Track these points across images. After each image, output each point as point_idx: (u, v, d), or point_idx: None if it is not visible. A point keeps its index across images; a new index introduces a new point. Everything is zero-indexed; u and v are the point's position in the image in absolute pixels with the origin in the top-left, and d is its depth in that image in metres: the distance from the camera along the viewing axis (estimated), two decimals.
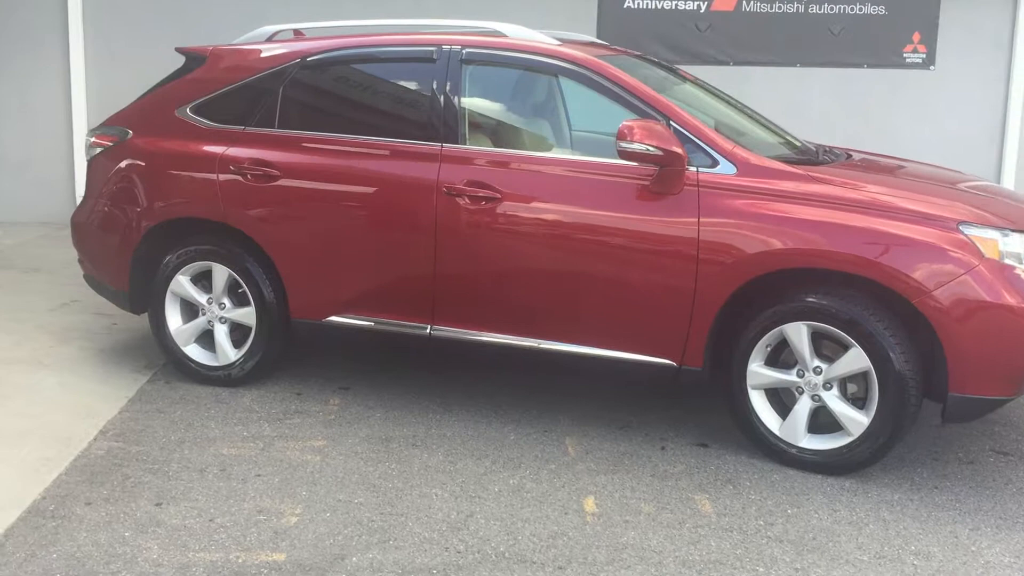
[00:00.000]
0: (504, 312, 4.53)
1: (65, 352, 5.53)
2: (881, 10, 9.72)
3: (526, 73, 4.75)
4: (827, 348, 4.14)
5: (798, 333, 4.11)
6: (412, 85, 4.81)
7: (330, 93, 4.99)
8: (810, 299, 4.08)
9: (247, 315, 4.98)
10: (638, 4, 9.63)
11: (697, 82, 5.33)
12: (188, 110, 5.07)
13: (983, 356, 3.88)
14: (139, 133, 5.14)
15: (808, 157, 4.68)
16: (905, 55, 9.84)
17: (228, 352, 5.04)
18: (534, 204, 4.43)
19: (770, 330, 4.16)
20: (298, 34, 5.25)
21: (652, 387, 5.07)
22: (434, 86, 4.67)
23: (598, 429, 4.64)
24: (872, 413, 4.03)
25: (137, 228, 5.07)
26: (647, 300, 4.27)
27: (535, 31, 4.74)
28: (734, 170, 4.21)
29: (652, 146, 4.10)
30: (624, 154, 4.15)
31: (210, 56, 5.17)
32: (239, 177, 4.84)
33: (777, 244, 4.05)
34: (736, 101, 5.30)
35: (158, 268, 5.08)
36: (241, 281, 4.94)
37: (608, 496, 3.95)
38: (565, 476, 4.13)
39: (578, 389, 5.08)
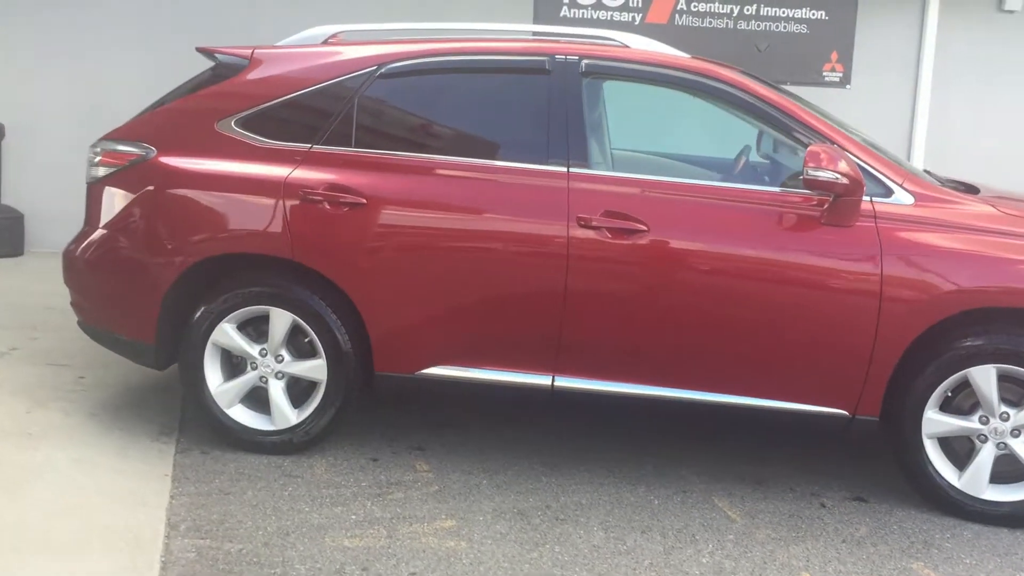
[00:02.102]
0: (647, 361, 3.99)
1: (50, 418, 4.48)
2: (804, 29, 9.82)
3: (655, 89, 4.21)
4: (1009, 392, 3.86)
5: (986, 376, 3.81)
6: (522, 99, 4.17)
7: (418, 107, 4.25)
8: (1001, 340, 3.78)
9: (315, 369, 4.16)
10: (574, 13, 9.26)
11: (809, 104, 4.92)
12: (233, 124, 4.19)
13: None
14: (166, 151, 4.20)
15: (958, 185, 4.40)
16: (824, 73, 9.98)
17: (287, 414, 4.20)
18: (687, 238, 3.91)
19: (951, 374, 3.84)
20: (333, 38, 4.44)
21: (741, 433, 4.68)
22: (551, 101, 4.06)
23: (736, 486, 4.18)
24: None
25: (170, 267, 4.14)
26: (820, 344, 3.85)
27: (655, 42, 4.22)
28: (911, 200, 3.87)
29: (840, 174, 3.69)
30: (812, 183, 3.72)
31: (252, 60, 4.30)
32: (312, 206, 4.03)
33: (974, 282, 3.73)
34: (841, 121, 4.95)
35: (194, 314, 4.17)
36: (308, 329, 4.12)
37: (822, 571, 3.49)
38: (755, 549, 3.64)
39: (663, 436, 4.62)
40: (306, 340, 4.17)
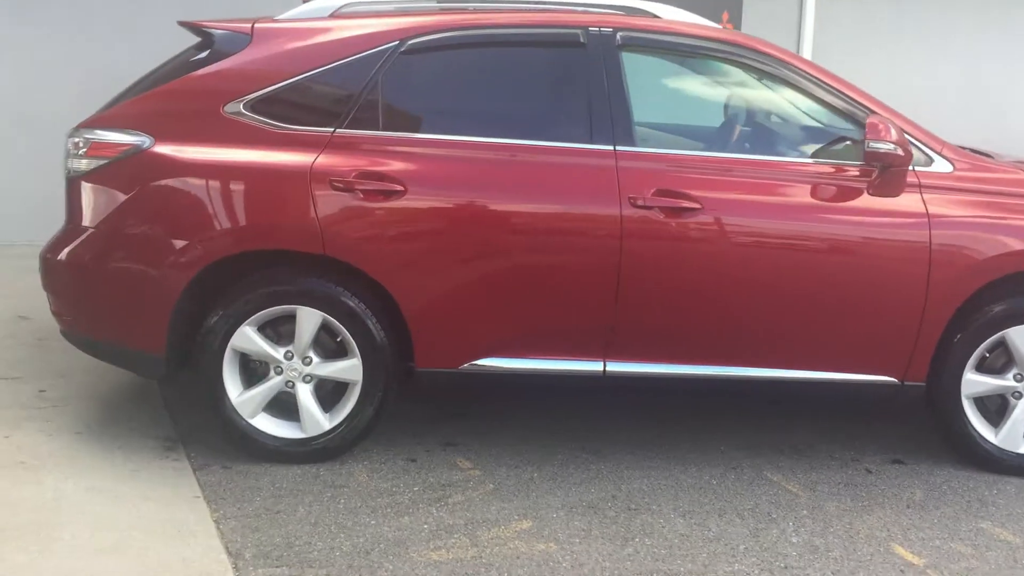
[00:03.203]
0: (701, 340, 3.91)
1: (35, 443, 4.00)
2: None
3: (691, 61, 4.10)
4: None
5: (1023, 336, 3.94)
6: (558, 74, 3.97)
7: (447, 84, 3.96)
8: None
9: (348, 369, 3.87)
10: None
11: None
12: (243, 108, 3.80)
13: None
14: (165, 139, 3.77)
15: (979, 150, 4.49)
16: None
17: (319, 419, 3.90)
18: (739, 214, 3.83)
19: (991, 335, 3.95)
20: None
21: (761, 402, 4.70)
22: (590, 76, 3.87)
23: (778, 458, 4.19)
24: None
25: (183, 269, 3.73)
26: (872, 314, 3.87)
27: (683, 11, 4.10)
28: (951, 168, 3.93)
29: (898, 144, 3.70)
30: (873, 155, 3.71)
31: (255, 36, 3.91)
32: (344, 195, 3.72)
33: (1017, 245, 3.83)
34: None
35: (210, 319, 3.79)
36: (341, 327, 3.82)
37: (906, 539, 3.54)
38: (834, 523, 3.64)
39: (680, 412, 4.59)
40: (337, 340, 3.87)
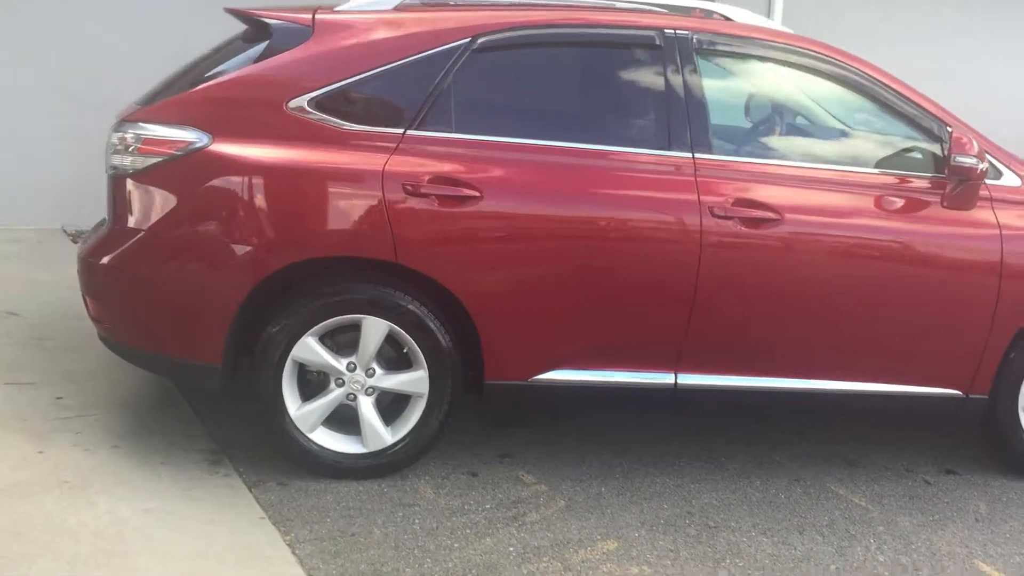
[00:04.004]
0: (773, 352, 3.85)
1: (74, 459, 3.73)
2: None
3: (765, 66, 4.00)
4: None
5: None
6: (634, 78, 3.83)
7: (521, 85, 3.81)
8: None
9: (414, 382, 3.70)
10: None
11: None
12: (307, 105, 3.58)
13: None
14: (224, 136, 3.52)
15: None
16: None
17: (382, 433, 3.72)
18: (817, 225, 3.77)
19: None
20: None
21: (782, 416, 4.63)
22: (667, 80, 3.76)
23: (836, 470, 4.18)
24: None
25: (246, 276, 3.51)
26: (942, 327, 3.87)
27: (754, 14, 4.01)
28: (1019, 182, 3.93)
29: (980, 159, 3.68)
30: (957, 169, 3.69)
31: (317, 29, 3.68)
32: (418, 200, 3.54)
33: None
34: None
35: (271, 328, 3.58)
36: (409, 338, 3.65)
37: (987, 555, 3.55)
38: (914, 540, 3.63)
39: (709, 422, 4.53)
40: (403, 351, 3.69)
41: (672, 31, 3.80)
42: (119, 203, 3.61)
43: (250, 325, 3.61)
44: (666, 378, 3.82)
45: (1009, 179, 3.92)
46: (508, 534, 3.47)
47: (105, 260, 3.61)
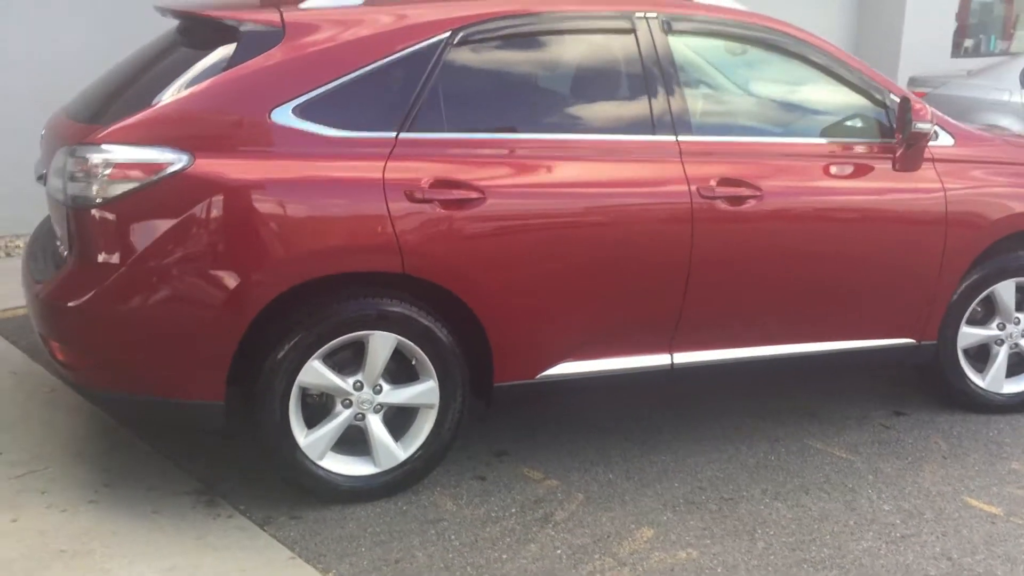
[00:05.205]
0: (759, 323, 3.99)
1: (52, 522, 3.37)
2: None
3: (731, 45, 4.06)
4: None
5: (1008, 290, 4.37)
6: (613, 63, 3.79)
7: (504, 78, 3.67)
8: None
9: (424, 394, 3.57)
10: None
11: None
12: (292, 113, 3.33)
13: None
14: (208, 154, 3.21)
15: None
16: None
17: (394, 450, 3.59)
18: (792, 198, 3.90)
19: (982, 291, 4.35)
20: None
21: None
22: (643, 63, 3.76)
23: (806, 423, 4.39)
24: None
25: (246, 302, 3.24)
26: (900, 281, 4.13)
27: None
28: (952, 141, 4.23)
29: (932, 124, 3.93)
30: (916, 135, 3.91)
31: (288, 29, 3.41)
32: (421, 206, 3.38)
33: (1017, 208, 4.21)
34: None
35: (276, 355, 3.35)
36: (417, 349, 3.51)
37: (970, 490, 3.86)
38: (905, 485, 3.89)
39: (684, 396, 4.67)
40: (411, 363, 3.55)
41: (641, 13, 3.79)
42: (85, 237, 3.23)
43: (244, 354, 3.36)
44: (663, 360, 3.88)
45: (944, 139, 4.21)
46: (548, 536, 3.44)
47: (77, 303, 3.22)
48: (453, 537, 3.42)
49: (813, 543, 3.46)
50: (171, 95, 3.31)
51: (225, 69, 3.34)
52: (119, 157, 3.18)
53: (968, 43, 13.33)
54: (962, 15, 12.89)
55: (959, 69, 10.00)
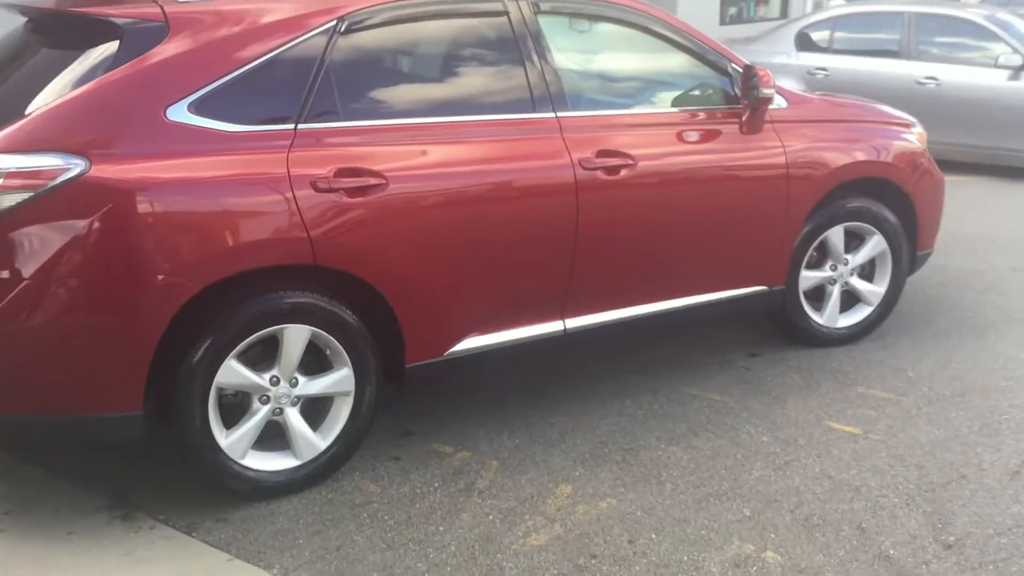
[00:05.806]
0: (639, 283, 4.27)
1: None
2: None
3: (594, 24, 4.28)
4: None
5: (838, 235, 4.87)
6: (492, 45, 3.92)
7: (394, 64, 3.73)
8: (851, 204, 4.84)
9: (340, 382, 3.62)
10: None
11: None
12: (187, 110, 3.26)
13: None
14: (105, 159, 3.10)
15: None
16: None
17: (313, 441, 3.62)
18: (661, 164, 4.21)
19: (817, 237, 4.82)
20: None
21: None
22: (520, 45, 3.92)
23: (674, 371, 4.73)
24: (886, 283, 5.07)
25: (158, 309, 3.17)
26: (757, 232, 4.52)
27: None
28: (786, 104, 4.65)
29: (774, 89, 4.33)
30: (762, 100, 4.29)
31: (172, 24, 3.32)
32: (327, 196, 3.41)
33: (843, 160, 4.70)
34: None
35: (192, 358, 3.29)
36: (331, 338, 3.55)
37: (829, 415, 4.30)
38: (776, 418, 4.29)
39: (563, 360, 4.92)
40: (327, 352, 3.58)
41: None
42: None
43: (157, 361, 3.28)
44: (556, 326, 4.08)
45: (779, 102, 4.62)
46: (476, 504, 3.59)
47: None
48: (386, 517, 3.50)
49: (712, 479, 3.78)
50: (52, 98, 3.17)
51: (111, 68, 3.22)
52: (7, 166, 3.01)
53: (732, 11, 14.36)
54: None
55: (728, 37, 10.76)
